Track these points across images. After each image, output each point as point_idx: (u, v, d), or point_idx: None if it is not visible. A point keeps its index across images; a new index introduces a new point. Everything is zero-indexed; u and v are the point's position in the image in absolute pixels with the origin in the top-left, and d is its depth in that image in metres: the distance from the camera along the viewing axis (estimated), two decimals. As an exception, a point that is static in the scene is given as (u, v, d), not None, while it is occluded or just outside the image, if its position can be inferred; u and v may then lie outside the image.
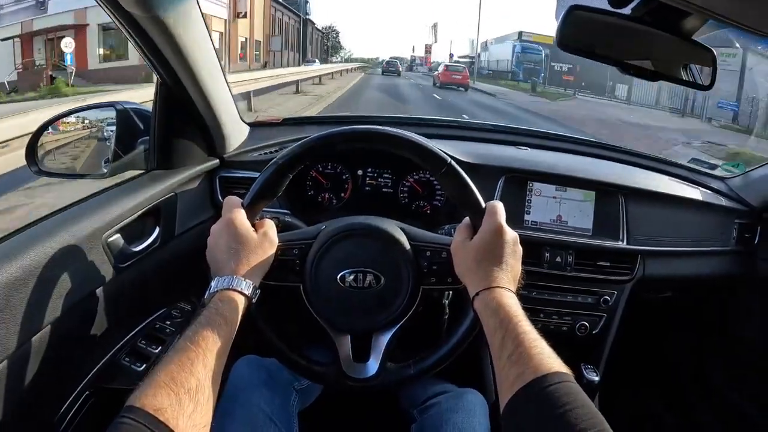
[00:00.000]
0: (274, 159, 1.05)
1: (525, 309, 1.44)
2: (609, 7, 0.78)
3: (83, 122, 1.48)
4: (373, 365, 1.07)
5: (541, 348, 0.82)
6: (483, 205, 1.03)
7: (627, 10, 0.78)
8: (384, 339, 1.08)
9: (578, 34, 0.82)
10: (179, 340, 0.79)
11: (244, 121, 1.70)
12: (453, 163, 1.04)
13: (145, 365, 1.21)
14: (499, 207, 1.01)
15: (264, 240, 0.99)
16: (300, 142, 1.06)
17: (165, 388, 0.69)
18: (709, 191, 1.73)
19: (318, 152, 1.10)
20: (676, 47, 0.82)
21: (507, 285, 0.95)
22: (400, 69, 52.83)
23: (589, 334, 1.53)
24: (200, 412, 0.72)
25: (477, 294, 0.94)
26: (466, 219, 1.04)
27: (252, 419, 1.10)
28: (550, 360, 0.80)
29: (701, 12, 0.71)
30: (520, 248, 1.01)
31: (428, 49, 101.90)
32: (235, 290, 0.91)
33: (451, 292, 1.23)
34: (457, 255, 1.01)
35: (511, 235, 0.98)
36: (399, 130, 1.09)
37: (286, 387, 1.23)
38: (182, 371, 0.73)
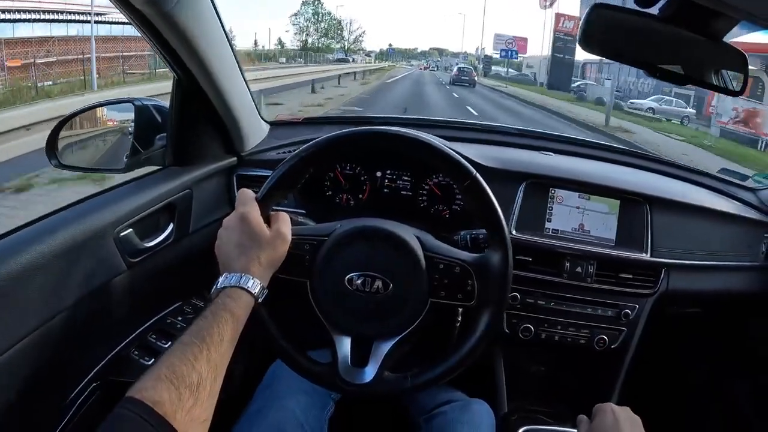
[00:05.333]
0: (296, 151, 1.04)
1: (542, 320, 1.42)
2: (635, 7, 0.75)
3: (104, 117, 1.49)
4: (369, 372, 1.05)
5: None
6: (503, 222, 1.03)
7: (654, 10, 0.76)
8: (385, 347, 1.06)
9: (602, 34, 0.79)
10: (184, 335, 0.79)
11: (265, 120, 1.70)
12: (478, 176, 1.03)
13: (153, 359, 1.22)
14: (608, 408, 1.00)
15: (276, 237, 0.97)
16: (324, 137, 1.05)
17: (165, 382, 0.68)
18: (738, 203, 1.68)
19: (341, 149, 1.10)
20: (705, 49, 0.79)
21: None
22: (475, 77, 38.15)
23: (607, 348, 1.48)
24: (200, 407, 0.71)
25: None
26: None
27: (283, 424, 1.11)
28: None
29: (734, 12, 0.68)
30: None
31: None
32: (242, 288, 0.90)
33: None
34: None
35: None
36: (425, 134, 1.08)
37: (323, 396, 1.24)
38: (184, 365, 0.72)
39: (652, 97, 24.97)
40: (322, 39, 61.50)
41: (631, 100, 25.60)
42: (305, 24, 60.37)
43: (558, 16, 39.09)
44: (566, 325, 1.46)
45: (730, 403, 1.84)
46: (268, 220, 0.99)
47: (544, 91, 35.01)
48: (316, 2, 60.45)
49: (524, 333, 1.45)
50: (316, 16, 60.90)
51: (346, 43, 65.25)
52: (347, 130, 1.07)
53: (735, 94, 0.87)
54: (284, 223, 1.00)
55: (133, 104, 1.36)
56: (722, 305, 1.74)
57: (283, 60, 44.96)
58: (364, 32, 71.79)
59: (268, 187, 1.02)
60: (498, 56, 59.56)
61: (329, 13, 61.99)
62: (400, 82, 34.20)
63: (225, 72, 1.31)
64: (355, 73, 33.13)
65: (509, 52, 56.54)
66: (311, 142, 1.04)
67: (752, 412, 1.76)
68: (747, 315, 1.77)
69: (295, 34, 59.90)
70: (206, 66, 1.23)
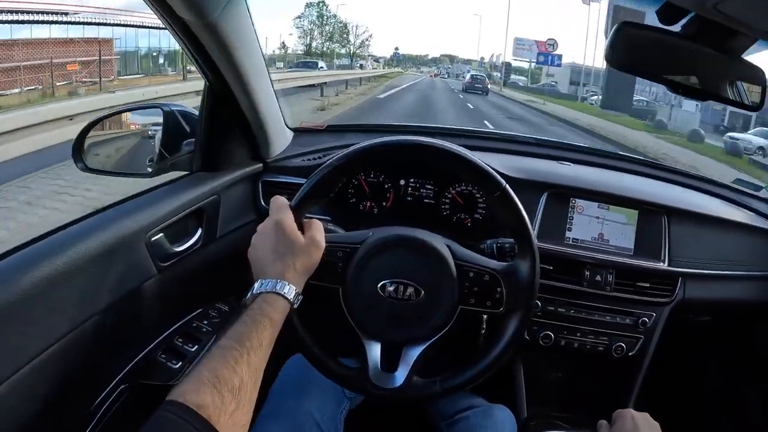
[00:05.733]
0: (329, 160, 1.06)
1: (561, 327, 1.44)
2: (659, 25, 0.77)
3: (129, 122, 1.51)
4: (399, 377, 1.07)
5: None
6: (531, 232, 1.06)
7: (677, 28, 0.78)
8: (414, 353, 1.08)
9: (628, 51, 0.81)
10: (223, 339, 0.80)
11: (289, 127, 1.73)
12: (508, 188, 1.06)
13: (180, 362, 1.23)
14: (628, 414, 1.04)
15: (311, 244, 0.99)
16: (358, 147, 1.07)
17: (208, 386, 0.69)
18: (753, 213, 1.69)
19: (373, 159, 1.12)
20: (725, 66, 0.81)
21: None
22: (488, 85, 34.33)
23: (625, 356, 1.50)
24: (241, 411, 0.72)
25: None
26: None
27: (298, 424, 1.12)
28: None
29: (752, 31, 0.71)
30: None
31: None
32: (278, 294, 0.91)
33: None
34: None
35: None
36: (456, 146, 1.10)
37: (338, 393, 1.25)
38: (226, 369, 0.73)
39: (753, 131, 16.87)
40: (327, 43, 55.92)
41: (731, 134, 17.37)
42: (309, 27, 54.82)
43: (617, 10, 26.25)
44: (585, 332, 1.48)
45: (745, 411, 1.84)
46: (301, 227, 1.01)
47: (599, 111, 25.24)
48: (321, 3, 54.93)
49: (544, 340, 1.46)
50: (320, 19, 55.25)
51: (351, 48, 58.53)
52: (379, 140, 1.09)
53: (753, 109, 0.89)
54: (318, 230, 1.02)
55: (162, 109, 1.38)
56: (737, 314, 1.74)
57: (281, 65, 41.31)
58: (371, 36, 65.95)
59: (302, 195, 1.04)
60: (516, 63, 50.87)
61: (334, 16, 56.25)
62: (399, 99, 23.17)
63: (257, 79, 1.33)
64: (322, 85, 19.81)
65: (549, 58, 45.86)
66: (344, 152, 1.07)
67: (766, 420, 1.77)
68: (761, 324, 1.77)
69: (299, 37, 54.52)
70: (241, 73, 1.26)
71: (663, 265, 1.48)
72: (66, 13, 19.99)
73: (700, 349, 1.94)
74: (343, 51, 56.49)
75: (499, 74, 52.31)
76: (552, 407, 1.57)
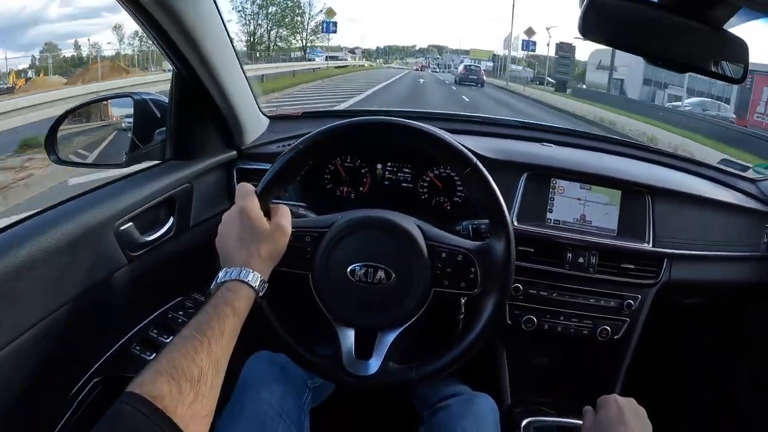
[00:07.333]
0: (294, 143, 1.05)
1: (544, 311, 1.42)
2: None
3: (111, 112, 1.49)
4: (374, 364, 1.05)
5: None
6: (505, 209, 1.04)
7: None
8: (389, 338, 1.06)
9: (602, 22, 0.79)
10: (185, 329, 0.78)
11: (265, 114, 1.70)
12: (478, 164, 1.03)
13: (155, 354, 1.21)
14: (612, 400, 1.02)
15: (276, 230, 0.97)
16: (322, 128, 1.06)
17: (165, 376, 0.68)
18: (739, 193, 1.68)
19: (339, 140, 1.10)
20: (705, 37, 0.79)
21: None
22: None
23: (610, 339, 1.48)
24: (201, 401, 0.70)
25: None
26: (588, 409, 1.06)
27: (261, 415, 1.09)
28: None
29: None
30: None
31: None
32: (243, 282, 0.90)
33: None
34: None
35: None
36: (425, 125, 1.08)
37: (299, 384, 1.22)
38: (185, 359, 0.71)
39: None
40: (276, 30, 41.10)
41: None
42: (252, 9, 40.32)
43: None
44: (569, 315, 1.46)
45: (731, 393, 1.84)
46: (268, 213, 0.99)
47: None
48: (262, -26, 39.34)
49: (527, 324, 1.45)
50: (264, -4, 39.83)
51: (304, 34, 42.72)
52: (343, 121, 1.07)
53: (736, 82, 0.87)
54: (284, 215, 1.01)
55: (132, 99, 1.36)
56: (724, 295, 1.73)
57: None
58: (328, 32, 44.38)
59: (267, 181, 1.03)
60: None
61: (282, -9, 40.80)
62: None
63: (224, 65, 1.31)
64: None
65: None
66: (309, 134, 1.05)
67: (752, 401, 1.76)
68: (748, 305, 1.77)
69: (242, 24, 39.96)
70: (206, 59, 1.23)
71: (647, 246, 1.47)
72: None
73: (688, 332, 1.93)
74: (296, 42, 42.78)
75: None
76: (537, 393, 1.56)
